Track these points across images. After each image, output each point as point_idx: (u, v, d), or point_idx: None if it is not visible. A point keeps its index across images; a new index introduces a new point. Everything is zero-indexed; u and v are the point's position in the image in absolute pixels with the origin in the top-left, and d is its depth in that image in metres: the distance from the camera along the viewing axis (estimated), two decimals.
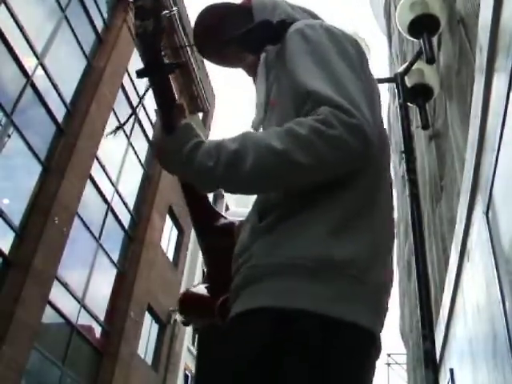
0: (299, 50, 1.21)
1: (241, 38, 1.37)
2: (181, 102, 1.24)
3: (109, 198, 12.99)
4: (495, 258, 3.19)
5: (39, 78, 10.22)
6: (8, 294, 8.78)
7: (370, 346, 1.09)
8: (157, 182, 15.48)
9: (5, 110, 9.14)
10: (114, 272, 13.46)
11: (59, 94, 10.94)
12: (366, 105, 1.10)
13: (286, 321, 1.01)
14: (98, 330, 12.61)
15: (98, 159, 12.18)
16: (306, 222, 1.10)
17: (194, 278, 20.46)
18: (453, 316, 5.22)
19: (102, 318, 12.59)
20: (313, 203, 1.12)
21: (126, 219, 14.09)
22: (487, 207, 3.29)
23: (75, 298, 11.25)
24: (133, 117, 14.23)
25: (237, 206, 26.30)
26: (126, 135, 14.03)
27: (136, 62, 13.75)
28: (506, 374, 3.09)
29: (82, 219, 11.50)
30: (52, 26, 10.77)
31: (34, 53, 10.05)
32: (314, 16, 1.46)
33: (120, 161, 13.84)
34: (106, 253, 12.85)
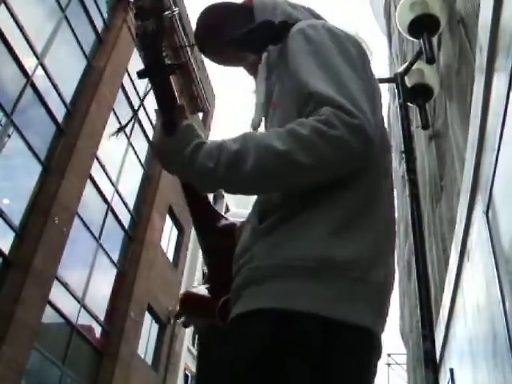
0: (301, 50, 1.21)
1: (242, 38, 1.37)
2: (182, 103, 1.24)
3: (109, 198, 12.99)
4: (495, 258, 3.19)
5: (39, 77, 10.22)
6: (8, 294, 8.78)
7: (372, 347, 1.09)
8: (157, 182, 15.48)
9: (5, 110, 9.14)
10: (114, 272, 13.46)
11: (59, 94, 10.94)
12: (367, 105, 1.10)
13: (287, 322, 1.01)
14: (98, 330, 12.62)
15: (98, 159, 12.18)
16: (307, 222, 1.10)
17: (193, 278, 20.46)
18: (453, 316, 5.22)
19: (102, 317, 12.60)
20: (314, 203, 1.12)
21: (126, 219, 14.09)
22: (487, 207, 3.29)
23: (75, 297, 11.26)
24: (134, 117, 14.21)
25: (237, 207, 26.30)
26: (126, 135, 14.03)
27: (136, 62, 13.77)
28: (506, 373, 3.09)
29: (82, 219, 11.50)
30: (52, 26, 10.77)
31: (34, 53, 10.06)
32: (317, 16, 1.45)
33: (120, 161, 13.84)
34: (106, 253, 12.85)
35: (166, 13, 1.11)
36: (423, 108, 5.25)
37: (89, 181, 11.75)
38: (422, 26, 4.61)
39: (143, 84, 14.79)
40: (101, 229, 12.57)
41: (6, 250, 9.13)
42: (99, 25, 12.84)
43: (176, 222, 17.55)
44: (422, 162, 7.52)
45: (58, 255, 10.17)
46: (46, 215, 9.78)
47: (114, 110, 12.96)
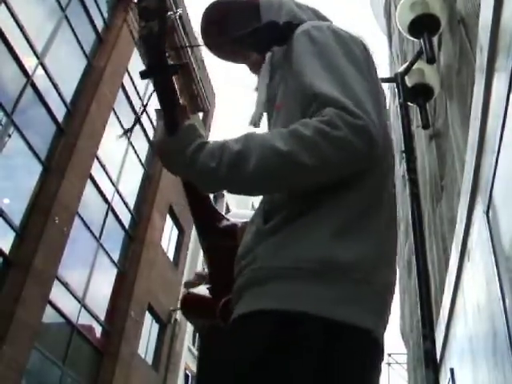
0: (306, 51, 1.21)
1: (247, 37, 1.37)
2: (184, 103, 1.24)
3: (109, 198, 12.99)
4: (495, 258, 3.19)
5: (39, 77, 10.22)
6: (8, 294, 8.79)
7: (374, 349, 1.09)
8: (157, 182, 15.49)
9: (5, 110, 9.14)
10: (114, 272, 13.47)
11: (59, 94, 10.94)
12: (372, 106, 1.10)
13: (290, 324, 1.01)
14: (98, 330, 12.62)
15: (98, 159, 12.19)
16: (311, 223, 1.10)
17: None
18: (453, 316, 5.23)
19: (102, 317, 12.60)
20: (318, 204, 1.12)
21: (126, 219, 14.09)
22: (487, 207, 3.29)
23: (76, 297, 11.26)
24: (133, 116, 14.24)
25: (237, 207, 26.30)
26: (127, 135, 14.02)
27: (136, 62, 13.78)
28: (506, 372, 3.09)
29: (82, 219, 11.50)
30: (52, 26, 10.78)
31: (35, 52, 10.06)
32: (322, 17, 1.45)
33: (120, 160, 13.84)
34: (107, 252, 12.85)
35: (170, 13, 1.11)
36: (423, 108, 5.24)
37: (89, 180, 11.75)
38: (423, 25, 4.60)
39: (143, 84, 14.80)
40: (101, 228, 12.57)
41: (7, 249, 9.14)
42: (99, 24, 12.85)
43: (176, 222, 17.56)
44: (423, 162, 7.52)
45: (58, 255, 10.18)
46: (47, 215, 9.78)
47: (114, 109, 12.97)
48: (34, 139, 10.03)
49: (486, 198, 3.24)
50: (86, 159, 11.40)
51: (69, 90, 11.43)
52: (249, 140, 1.09)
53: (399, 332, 16.13)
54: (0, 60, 9.22)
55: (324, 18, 1.45)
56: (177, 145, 1.16)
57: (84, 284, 11.72)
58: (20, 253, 9.27)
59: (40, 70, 10.25)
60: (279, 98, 1.29)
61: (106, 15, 13.17)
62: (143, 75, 1.15)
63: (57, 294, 10.26)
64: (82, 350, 11.82)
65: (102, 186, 12.63)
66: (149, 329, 15.35)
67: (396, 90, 5.16)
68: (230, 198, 25.81)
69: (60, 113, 11.01)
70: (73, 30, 11.52)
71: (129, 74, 13.91)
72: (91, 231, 12.08)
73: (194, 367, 20.09)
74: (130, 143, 14.27)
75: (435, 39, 5.09)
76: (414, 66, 5.09)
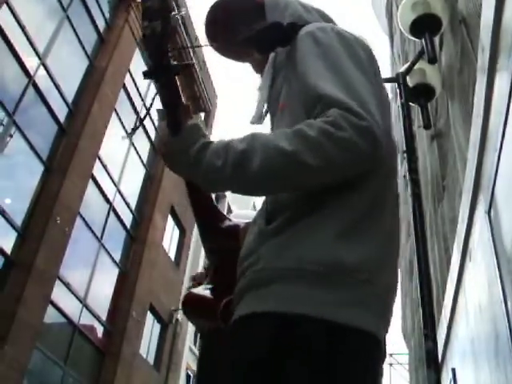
0: (310, 53, 1.21)
1: (250, 37, 1.38)
2: (187, 103, 1.24)
3: (111, 198, 13.00)
4: (497, 258, 3.18)
5: (41, 77, 10.23)
6: (10, 294, 8.79)
7: (376, 351, 1.09)
8: (159, 182, 15.49)
9: (7, 110, 9.15)
10: (115, 272, 13.47)
11: (61, 94, 10.95)
12: (376, 108, 1.09)
13: (292, 326, 1.01)
14: (99, 330, 12.63)
15: (99, 159, 12.19)
16: (315, 224, 1.09)
17: None
18: (455, 316, 5.22)
19: (103, 317, 12.60)
20: (322, 205, 1.11)
21: (127, 219, 14.10)
22: (489, 206, 3.28)
23: (77, 297, 11.27)
24: (135, 117, 14.24)
25: (238, 207, 26.31)
26: (127, 135, 14.04)
27: (138, 62, 13.78)
28: (507, 373, 3.08)
29: (83, 219, 11.51)
30: (54, 26, 10.79)
31: (36, 53, 10.07)
32: (328, 19, 1.45)
33: (122, 160, 13.85)
34: (108, 253, 12.86)
35: (173, 14, 1.11)
36: (425, 108, 5.24)
37: (91, 181, 11.76)
38: (424, 25, 4.60)
39: (145, 84, 14.82)
40: (103, 229, 12.58)
41: (8, 249, 9.14)
42: (101, 24, 12.85)
43: (178, 222, 17.56)
44: (424, 162, 7.52)
45: (60, 255, 10.19)
46: (48, 215, 9.79)
47: (115, 109, 12.98)
48: (36, 139, 10.04)
49: (488, 195, 3.23)
50: (87, 159, 11.41)
51: (70, 90, 11.44)
52: (253, 140, 1.09)
53: (401, 332, 16.13)
54: (2, 60, 9.23)
55: (330, 20, 1.44)
56: (181, 144, 1.15)
57: (86, 284, 11.72)
58: (22, 253, 9.28)
59: (42, 70, 10.26)
60: (282, 98, 1.29)
61: (107, 15, 13.18)
62: (146, 75, 1.15)
63: (58, 294, 10.27)
64: (84, 350, 11.83)
65: (104, 186, 12.64)
66: (150, 329, 15.36)
67: (397, 90, 5.16)
68: (231, 199, 25.81)
69: (62, 113, 11.02)
70: (74, 30, 11.52)
71: (130, 74, 13.92)
72: (93, 231, 12.08)
73: (195, 367, 20.08)
74: (132, 143, 14.28)
75: (437, 39, 5.09)
76: (416, 66, 5.09)
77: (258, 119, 1.31)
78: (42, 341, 9.71)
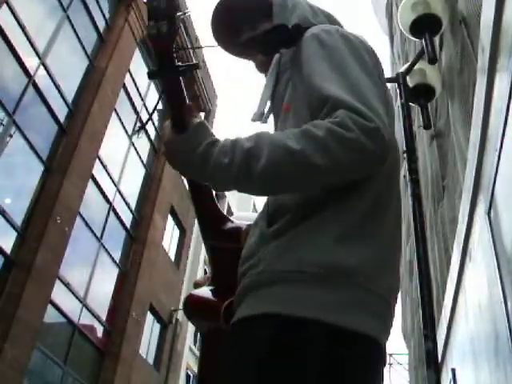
0: (315, 55, 1.21)
1: (255, 39, 1.38)
2: (191, 103, 1.23)
3: (111, 198, 13.00)
4: (497, 258, 3.18)
5: (41, 77, 10.23)
6: (10, 294, 8.79)
7: (377, 353, 1.08)
8: (158, 182, 15.49)
9: (7, 110, 9.15)
10: (115, 272, 13.47)
11: (61, 94, 10.95)
12: (382, 109, 1.09)
13: (292, 328, 1.01)
14: (99, 330, 12.63)
15: (99, 159, 12.19)
16: (316, 227, 1.09)
17: (195, 278, 20.42)
18: (454, 316, 5.22)
19: (103, 317, 12.60)
20: (323, 207, 1.11)
21: (127, 219, 14.10)
22: (489, 207, 3.29)
23: (77, 297, 11.26)
24: (135, 117, 14.25)
25: (238, 207, 26.32)
26: (128, 135, 14.05)
27: (138, 62, 13.77)
28: (507, 373, 3.08)
29: (83, 219, 11.51)
30: (54, 26, 10.78)
31: (36, 52, 10.06)
32: (334, 22, 1.44)
33: (122, 160, 13.85)
34: (108, 252, 12.86)
35: (179, 14, 1.11)
36: (425, 108, 5.24)
37: (91, 180, 11.75)
38: (424, 25, 4.60)
39: (145, 84, 14.83)
40: (103, 228, 12.57)
41: (8, 249, 9.14)
42: (101, 24, 12.85)
43: (178, 222, 17.56)
44: (424, 162, 7.53)
45: (59, 255, 10.18)
46: (48, 215, 9.79)
47: (115, 109, 12.98)
48: (36, 139, 10.04)
49: (488, 195, 3.24)
50: (87, 159, 11.41)
51: (70, 90, 11.43)
52: (260, 138, 1.08)
53: (400, 332, 16.14)
54: (2, 60, 9.23)
55: (335, 22, 1.44)
56: (187, 143, 1.14)
57: (85, 284, 11.72)
58: (22, 252, 9.28)
59: (42, 70, 10.25)
60: (286, 100, 1.28)
61: (107, 15, 13.18)
62: (151, 75, 1.14)
63: (58, 293, 10.27)
64: (84, 349, 11.82)
65: (104, 185, 12.63)
66: (150, 329, 15.36)
67: (398, 90, 5.16)
68: (231, 200, 25.81)
69: (62, 113, 11.02)
70: (74, 30, 11.52)
71: (130, 74, 13.91)
72: (93, 231, 12.08)
73: (195, 367, 20.10)
74: (132, 143, 14.28)
75: (437, 39, 5.09)
76: (416, 66, 5.09)
77: (260, 116, 1.30)
78: (42, 340, 9.71)
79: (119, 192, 13.48)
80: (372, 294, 1.07)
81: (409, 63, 5.26)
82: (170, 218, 16.69)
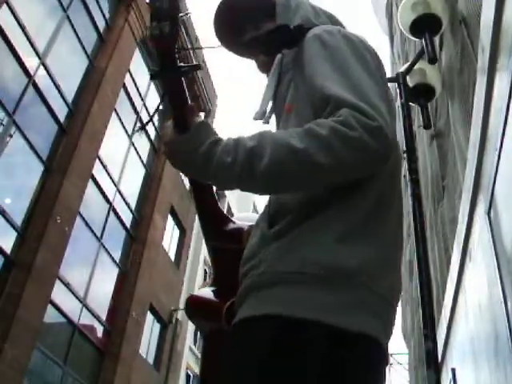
0: (317, 55, 1.21)
1: (257, 39, 1.38)
2: (193, 103, 1.23)
3: (111, 198, 13.00)
4: (497, 258, 3.18)
5: (41, 77, 10.23)
6: (10, 294, 8.79)
7: (378, 354, 1.08)
8: (158, 182, 15.49)
9: (7, 110, 9.15)
10: (115, 271, 13.47)
11: (61, 94, 10.95)
12: (384, 108, 1.10)
13: (293, 329, 1.01)
14: (99, 330, 12.62)
15: (99, 159, 12.19)
16: (317, 228, 1.09)
17: (195, 278, 20.47)
18: (454, 316, 5.22)
19: (103, 317, 12.60)
20: (325, 207, 1.11)
21: (127, 219, 14.10)
22: (489, 207, 3.29)
23: (77, 297, 11.26)
24: (135, 117, 14.25)
25: (238, 207, 26.30)
26: (128, 135, 14.05)
27: (138, 62, 13.78)
28: (507, 373, 3.08)
29: (83, 219, 11.51)
30: (54, 26, 10.78)
31: (36, 52, 10.06)
32: (336, 22, 1.44)
33: (122, 160, 13.85)
34: (108, 252, 12.86)
35: (181, 14, 1.11)
36: (425, 108, 5.25)
37: (91, 180, 11.75)
38: (424, 25, 4.60)
39: (145, 84, 14.83)
40: (103, 228, 12.57)
41: (8, 249, 9.14)
42: (101, 24, 12.84)
43: (178, 222, 17.56)
44: (424, 162, 7.53)
45: (59, 255, 10.18)
46: (48, 215, 9.79)
47: (115, 109, 12.98)
48: (36, 139, 10.03)
49: (488, 195, 3.24)
50: (87, 159, 11.41)
51: (70, 90, 11.43)
52: (263, 137, 1.08)
53: (400, 332, 16.14)
54: (2, 60, 9.23)
55: (337, 23, 1.44)
56: (190, 143, 1.14)
57: (85, 284, 11.72)
58: (21, 252, 9.28)
59: (42, 70, 10.25)
60: (288, 100, 1.28)
61: (107, 15, 13.17)
62: (153, 76, 1.14)
63: (58, 293, 10.26)
64: (84, 349, 11.82)
65: (104, 185, 12.63)
66: (150, 329, 15.36)
67: (398, 89, 5.16)
68: (231, 200, 25.80)
69: (62, 113, 11.02)
70: (74, 30, 11.52)
71: (130, 74, 13.91)
72: (93, 231, 12.08)
73: (195, 367, 20.11)
74: (132, 143, 14.28)
75: (437, 39, 5.09)
76: (416, 66, 5.09)
77: (261, 115, 1.30)
78: (42, 341, 9.71)
79: (119, 192, 13.48)
80: (373, 293, 1.07)
81: (409, 63, 5.26)
82: (170, 217, 16.69)
